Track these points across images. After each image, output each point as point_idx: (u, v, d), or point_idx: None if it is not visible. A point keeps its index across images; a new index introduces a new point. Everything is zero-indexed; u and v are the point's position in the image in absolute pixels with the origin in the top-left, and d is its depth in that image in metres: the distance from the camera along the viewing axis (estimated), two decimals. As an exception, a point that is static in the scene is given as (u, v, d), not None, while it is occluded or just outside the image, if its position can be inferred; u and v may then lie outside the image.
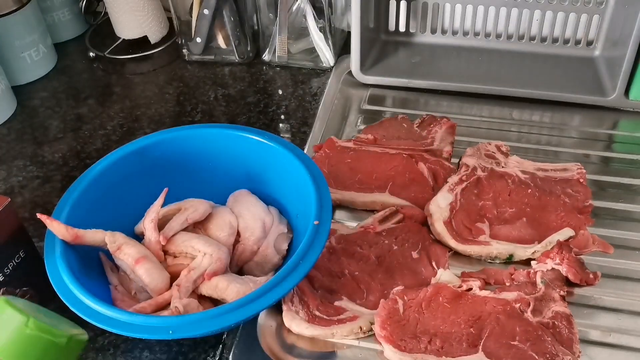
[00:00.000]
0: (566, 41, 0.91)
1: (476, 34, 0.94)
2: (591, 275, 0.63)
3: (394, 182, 0.74)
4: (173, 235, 0.62)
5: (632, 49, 0.79)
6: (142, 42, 1.03)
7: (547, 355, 0.55)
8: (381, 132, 0.81)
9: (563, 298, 0.61)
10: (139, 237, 0.65)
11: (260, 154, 0.67)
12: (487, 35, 0.94)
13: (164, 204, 0.64)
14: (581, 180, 0.73)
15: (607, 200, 0.72)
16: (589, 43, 0.91)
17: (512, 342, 0.57)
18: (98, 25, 1.09)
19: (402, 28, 0.96)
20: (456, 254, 0.67)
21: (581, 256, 0.65)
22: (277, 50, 0.95)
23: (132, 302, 0.59)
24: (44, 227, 0.57)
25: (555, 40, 0.92)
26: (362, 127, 0.85)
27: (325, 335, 0.59)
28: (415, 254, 0.67)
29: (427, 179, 0.74)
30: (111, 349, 0.60)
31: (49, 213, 0.59)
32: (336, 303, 0.62)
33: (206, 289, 0.58)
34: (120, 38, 1.03)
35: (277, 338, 0.60)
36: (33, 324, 0.46)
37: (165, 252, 0.62)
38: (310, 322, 0.59)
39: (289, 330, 0.60)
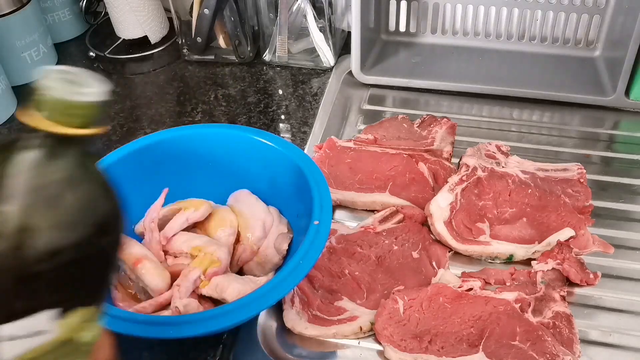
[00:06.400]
0: (566, 41, 0.91)
1: (476, 34, 0.94)
2: (591, 275, 0.63)
3: (394, 182, 0.74)
4: (173, 235, 0.62)
5: (632, 49, 0.78)
6: (142, 42, 1.03)
7: (548, 356, 0.55)
8: (381, 132, 0.81)
9: (563, 298, 0.61)
10: (139, 237, 0.65)
11: (260, 154, 0.67)
12: (487, 35, 0.94)
13: (164, 204, 0.64)
14: (581, 180, 0.73)
15: (607, 200, 0.72)
16: (589, 43, 0.91)
17: (512, 342, 0.57)
18: (98, 25, 1.09)
19: (402, 28, 0.97)
20: (456, 254, 0.67)
21: (581, 256, 0.65)
22: (277, 50, 0.95)
23: (133, 302, 0.59)
24: (44, 227, 0.57)
25: (555, 41, 0.92)
26: (362, 127, 0.85)
27: (326, 335, 0.59)
28: (415, 254, 0.67)
29: (427, 179, 0.74)
30: (111, 349, 0.60)
31: (49, 213, 0.59)
32: (336, 303, 0.62)
33: (206, 289, 0.58)
34: (120, 38, 1.03)
35: (277, 338, 0.60)
36: None
37: (166, 252, 0.62)
38: (310, 322, 0.59)
39: (289, 331, 0.60)
